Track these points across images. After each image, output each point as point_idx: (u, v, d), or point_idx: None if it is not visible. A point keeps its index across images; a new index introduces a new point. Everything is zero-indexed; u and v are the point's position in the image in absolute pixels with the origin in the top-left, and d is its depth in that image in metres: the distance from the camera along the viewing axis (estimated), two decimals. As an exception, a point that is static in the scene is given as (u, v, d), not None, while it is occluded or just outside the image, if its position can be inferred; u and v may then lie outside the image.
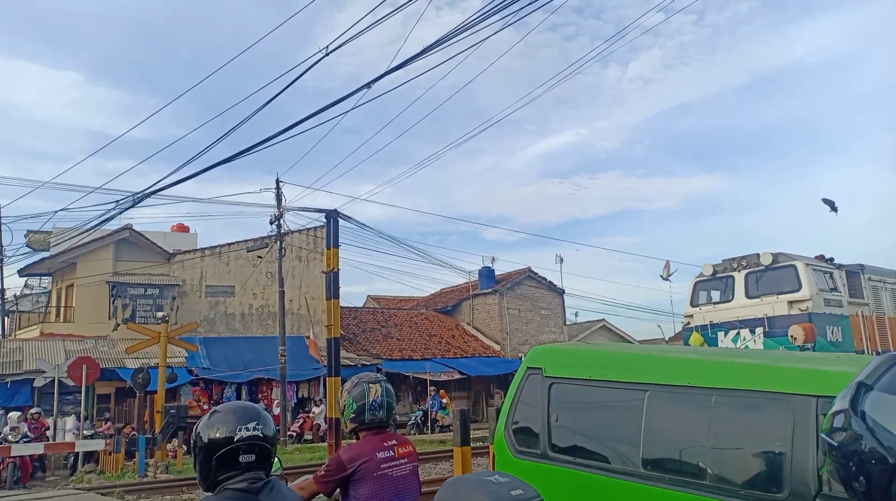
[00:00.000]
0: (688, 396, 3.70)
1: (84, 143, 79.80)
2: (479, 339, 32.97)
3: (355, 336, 30.10)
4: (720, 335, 14.79)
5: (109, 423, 21.58)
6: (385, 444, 3.32)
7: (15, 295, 32.50)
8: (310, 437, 23.99)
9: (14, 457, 16.04)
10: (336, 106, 10.50)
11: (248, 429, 2.08)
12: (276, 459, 2.98)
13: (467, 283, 34.76)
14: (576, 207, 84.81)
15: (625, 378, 4.11)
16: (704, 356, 4.67)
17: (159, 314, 21.05)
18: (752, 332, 14.19)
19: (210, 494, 2.09)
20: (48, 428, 18.71)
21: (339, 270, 13.96)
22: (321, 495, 3.30)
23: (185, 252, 29.25)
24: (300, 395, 26.69)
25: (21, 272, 29.42)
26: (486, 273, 33.81)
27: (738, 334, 14.50)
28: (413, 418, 26.64)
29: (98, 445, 17.34)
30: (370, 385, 3.39)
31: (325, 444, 17.51)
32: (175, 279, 27.86)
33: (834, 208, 18.72)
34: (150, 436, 17.44)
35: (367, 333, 31.07)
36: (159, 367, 18.38)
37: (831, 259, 15.44)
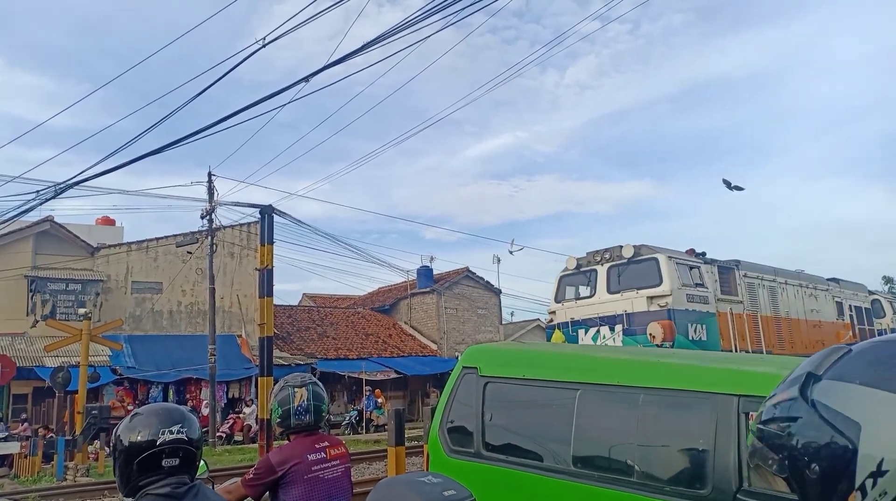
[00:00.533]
0: (617, 395, 3.79)
1: (2, 129, 75.67)
2: (416, 338, 32.95)
3: (289, 335, 29.60)
4: (581, 333, 13.93)
5: (26, 424, 20.54)
6: (316, 446, 3.27)
7: (-78, 289, 30.49)
8: (240, 438, 23.44)
9: (-83, 462, 15.07)
10: (273, 99, 10.29)
11: (171, 432, 2.01)
12: (202, 462, 2.90)
13: (405, 282, 34.69)
14: (513, 208, 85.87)
15: (557, 378, 4.18)
16: (633, 355, 4.79)
17: (81, 311, 20.15)
18: (612, 330, 13.36)
19: (130, 499, 2.01)
20: (-43, 431, 17.65)
21: (273, 267, 13.71)
22: (249, 499, 3.23)
23: (110, 246, 28.12)
24: (230, 395, 26.05)
25: (-71, 265, 27.63)
26: (425, 272, 33.84)
27: (598, 331, 13.65)
28: (348, 418, 26.40)
29: (13, 448, 16.49)
30: (295, 390, 3.32)
31: (256, 445, 17.15)
32: (99, 274, 26.74)
33: (732, 187, 19.38)
34: (70, 438, 16.68)
35: (302, 332, 30.61)
36: (81, 366, 17.60)
37: (703, 254, 14.78)
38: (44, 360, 21.91)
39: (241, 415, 24.24)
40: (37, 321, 24.07)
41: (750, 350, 13.87)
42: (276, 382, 3.83)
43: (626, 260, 13.71)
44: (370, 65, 26.81)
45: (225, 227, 26.52)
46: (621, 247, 13.85)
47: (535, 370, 4.46)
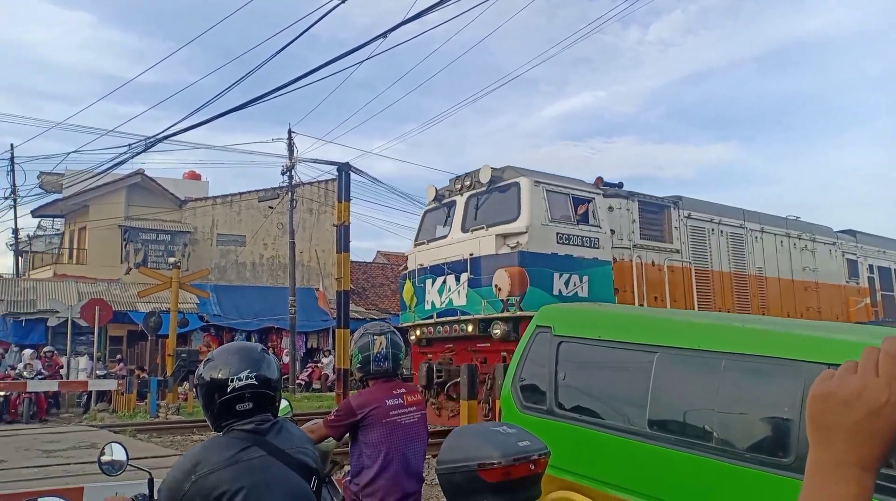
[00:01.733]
0: (697, 359, 3.70)
1: (96, 85, 79.49)
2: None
3: (364, 291, 30.32)
4: (428, 283, 11.17)
5: (122, 364, 22.00)
6: (394, 392, 3.37)
7: (28, 235, 32.83)
8: (318, 386, 24.40)
9: (29, 393, 16.43)
10: (350, 56, 10.36)
11: (240, 379, 2.07)
12: (286, 403, 3.02)
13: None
14: (590, 170, 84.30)
15: (634, 340, 4.12)
16: (715, 320, 4.65)
17: (171, 260, 21.23)
18: (458, 279, 10.48)
19: (219, 434, 2.12)
20: (61, 367, 19.09)
21: (349, 223, 13.98)
22: (330, 438, 3.36)
23: (196, 200, 29.34)
24: (309, 345, 27.06)
25: (34, 213, 29.69)
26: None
27: (445, 282, 10.80)
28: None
29: (111, 385, 17.73)
30: (375, 337, 3.42)
31: (333, 393, 17.81)
32: (186, 226, 28.02)
33: None
34: (162, 379, 17.78)
35: (377, 288, 31.28)
36: (171, 312, 18.63)
37: (618, 185, 11.58)
38: (137, 305, 23.29)
39: (319, 365, 25.19)
40: (130, 269, 25.55)
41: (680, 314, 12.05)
42: (352, 334, 3.94)
43: (485, 188, 10.67)
44: (446, 20, 26.47)
45: (304, 183, 27.17)
46: (479, 171, 10.79)
47: (611, 331, 4.41)
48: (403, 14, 9.92)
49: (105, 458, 2.57)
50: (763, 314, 12.65)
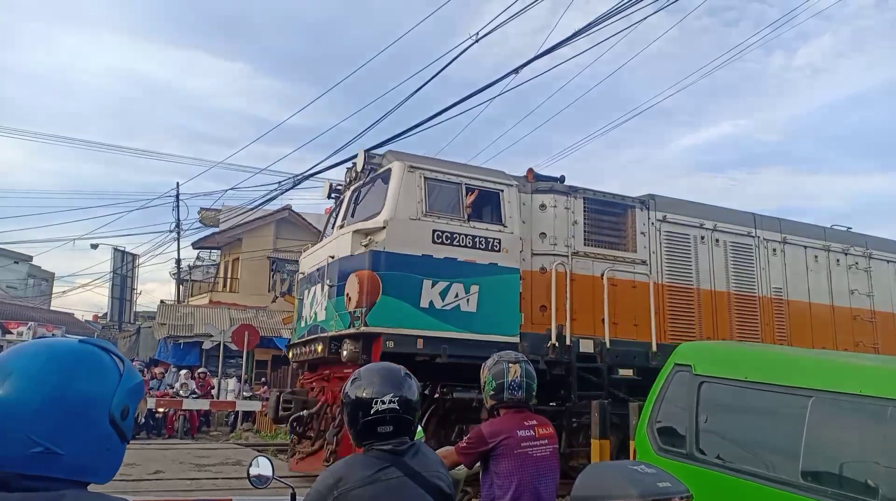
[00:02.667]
0: (859, 406, 3.37)
1: (250, 129, 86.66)
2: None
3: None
4: (305, 294, 9.69)
5: (266, 387, 23.33)
6: (525, 423, 3.32)
7: (189, 265, 35.91)
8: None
9: (184, 411, 17.83)
10: (482, 93, 10.61)
11: (383, 402, 2.12)
12: (419, 429, 3.07)
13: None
14: (731, 202, 79.87)
15: (786, 382, 3.82)
16: (880, 362, 4.23)
17: (312, 290, 22.29)
18: (323, 288, 8.87)
19: (359, 452, 2.19)
20: (213, 387, 20.55)
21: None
22: (461, 466, 3.36)
23: (337, 233, 30.81)
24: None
25: (194, 245, 32.65)
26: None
27: (314, 292, 9.27)
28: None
29: (255, 406, 18.82)
30: (510, 365, 3.39)
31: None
32: (327, 258, 29.46)
33: None
34: (300, 403, 18.58)
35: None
36: (310, 339, 19.49)
37: (559, 179, 9.60)
38: (281, 331, 24.71)
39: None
40: (276, 297, 27.21)
41: (652, 345, 9.17)
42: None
43: (366, 178, 9.11)
44: (577, 54, 26.50)
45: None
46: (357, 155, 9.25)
47: (759, 372, 4.12)
48: (532, 52, 10.03)
49: (254, 471, 2.71)
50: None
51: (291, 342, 10.26)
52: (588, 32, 9.66)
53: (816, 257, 11.12)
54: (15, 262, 45.35)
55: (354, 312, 7.92)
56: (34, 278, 50.53)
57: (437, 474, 2.18)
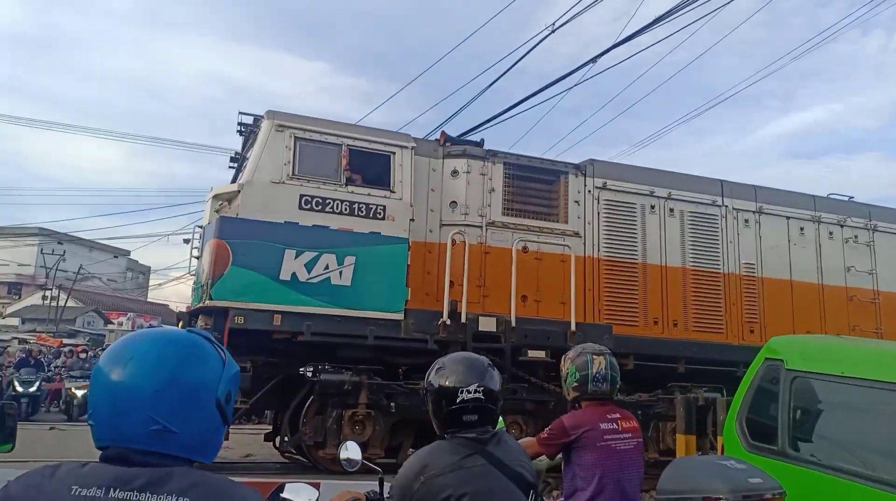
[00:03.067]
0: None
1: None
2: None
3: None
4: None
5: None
6: (608, 416, 3.27)
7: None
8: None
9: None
10: (559, 83, 10.50)
11: (469, 392, 2.15)
12: (500, 419, 3.09)
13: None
14: (826, 190, 75.63)
15: (890, 378, 3.62)
16: None
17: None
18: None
19: (443, 440, 2.24)
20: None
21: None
22: (543, 456, 3.36)
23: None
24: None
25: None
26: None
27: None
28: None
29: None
30: (594, 356, 3.35)
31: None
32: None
33: None
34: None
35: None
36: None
37: (478, 143, 8.93)
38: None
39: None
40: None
41: (571, 325, 8.40)
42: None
43: (250, 140, 8.56)
44: (657, 41, 25.66)
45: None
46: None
47: (859, 367, 3.92)
48: (608, 41, 9.83)
49: (343, 454, 2.82)
50: (752, 330, 9.40)
51: None
52: (670, 18, 9.35)
53: (802, 229, 9.94)
54: (115, 256, 48.38)
55: (206, 282, 7.41)
56: (132, 271, 53.75)
57: (520, 463, 2.19)
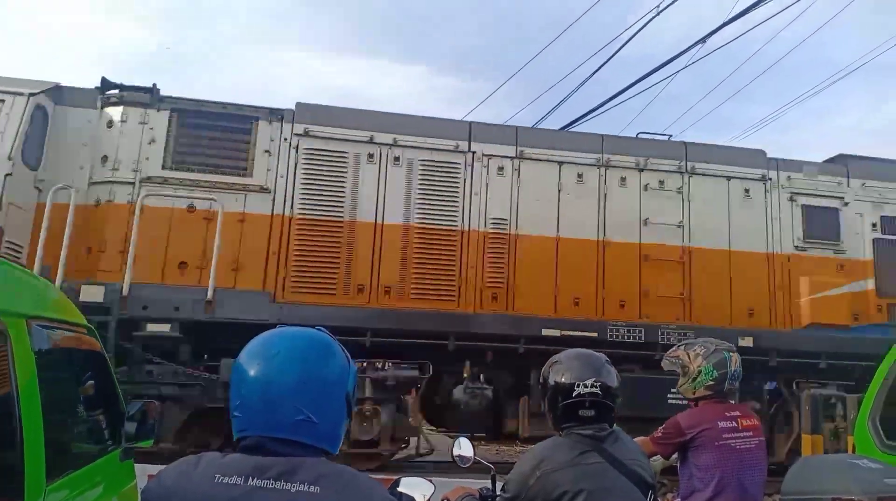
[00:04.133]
0: None
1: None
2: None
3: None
4: None
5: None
6: (727, 414, 3.16)
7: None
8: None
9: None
10: (665, 68, 10.17)
11: (586, 386, 2.14)
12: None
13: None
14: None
15: None
16: None
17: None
18: None
19: (558, 436, 2.27)
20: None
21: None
22: (658, 456, 3.29)
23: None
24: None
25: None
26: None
27: None
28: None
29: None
30: (730, 354, 3.23)
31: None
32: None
33: None
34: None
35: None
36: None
37: (148, 89, 7.63)
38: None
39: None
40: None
41: (208, 292, 7.09)
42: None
43: None
44: (771, 16, 24.19)
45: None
46: None
47: None
48: (716, 21, 9.38)
49: (456, 451, 2.88)
50: (495, 297, 7.90)
51: None
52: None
53: (581, 175, 8.33)
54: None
55: None
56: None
57: (637, 462, 2.16)
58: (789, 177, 8.87)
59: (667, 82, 11.44)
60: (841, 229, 8.82)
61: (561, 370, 2.22)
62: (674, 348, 3.47)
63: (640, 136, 9.17)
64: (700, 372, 3.21)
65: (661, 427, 3.27)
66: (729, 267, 8.43)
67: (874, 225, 8.90)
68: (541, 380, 2.31)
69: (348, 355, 1.45)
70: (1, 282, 2.12)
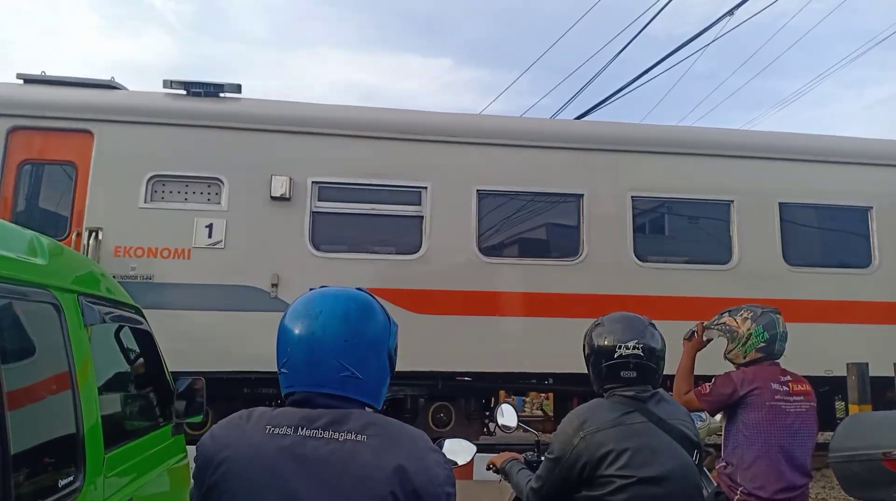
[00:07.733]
0: None
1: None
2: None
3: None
4: None
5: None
6: (780, 378, 3.11)
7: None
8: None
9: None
10: (693, 43, 9.98)
11: (627, 347, 2.15)
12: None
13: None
14: None
15: None
16: None
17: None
18: None
19: (601, 398, 2.25)
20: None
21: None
22: (704, 412, 3.24)
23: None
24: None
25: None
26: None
27: None
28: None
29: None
30: (777, 316, 3.18)
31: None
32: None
33: None
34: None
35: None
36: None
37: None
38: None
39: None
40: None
41: None
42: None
43: None
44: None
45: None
46: None
47: None
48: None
49: (500, 419, 2.90)
50: None
51: None
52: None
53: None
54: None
55: None
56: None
57: (682, 421, 2.16)
58: None
59: (695, 58, 11.16)
60: None
61: (603, 332, 2.22)
62: (715, 317, 3.41)
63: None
64: (751, 335, 3.16)
65: (707, 383, 3.20)
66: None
67: None
68: (584, 344, 2.31)
69: (388, 313, 1.48)
70: (52, 259, 2.19)
